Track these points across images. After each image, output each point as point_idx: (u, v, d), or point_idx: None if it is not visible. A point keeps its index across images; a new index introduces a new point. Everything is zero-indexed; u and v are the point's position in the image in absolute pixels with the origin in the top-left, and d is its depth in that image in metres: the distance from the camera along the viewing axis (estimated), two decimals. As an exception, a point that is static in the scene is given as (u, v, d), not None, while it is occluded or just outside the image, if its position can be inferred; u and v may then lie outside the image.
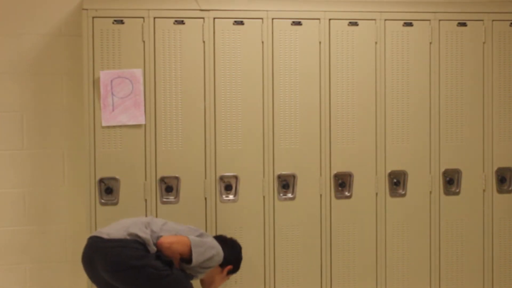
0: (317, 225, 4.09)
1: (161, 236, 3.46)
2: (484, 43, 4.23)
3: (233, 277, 3.98)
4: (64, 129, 4.22)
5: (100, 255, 3.39)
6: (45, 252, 4.23)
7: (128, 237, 3.41)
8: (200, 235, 3.60)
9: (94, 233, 3.53)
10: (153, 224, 3.52)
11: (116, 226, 3.50)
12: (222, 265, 3.66)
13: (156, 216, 3.89)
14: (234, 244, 3.78)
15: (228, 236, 3.83)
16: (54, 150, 4.21)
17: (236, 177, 3.99)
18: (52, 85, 4.21)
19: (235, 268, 3.76)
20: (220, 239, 3.72)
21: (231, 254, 3.71)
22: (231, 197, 4.02)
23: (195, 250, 3.46)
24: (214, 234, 3.92)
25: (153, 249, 3.42)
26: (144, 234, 3.42)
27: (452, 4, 4.27)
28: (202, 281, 3.73)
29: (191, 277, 3.56)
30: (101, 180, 3.90)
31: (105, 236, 3.43)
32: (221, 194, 3.99)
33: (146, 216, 3.87)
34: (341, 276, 4.12)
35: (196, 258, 3.46)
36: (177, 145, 3.95)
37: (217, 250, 3.57)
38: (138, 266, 3.33)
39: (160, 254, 3.42)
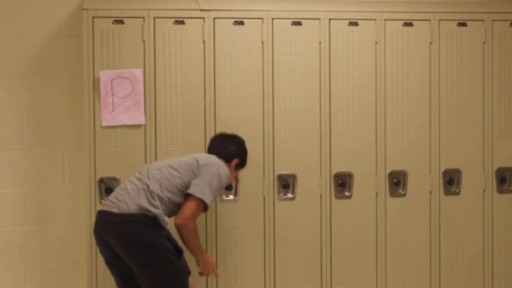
0: (317, 225, 4.09)
1: (169, 196, 3.43)
2: (484, 43, 4.23)
3: (233, 277, 3.98)
4: (64, 129, 4.21)
5: (111, 231, 3.39)
6: (45, 252, 4.22)
7: (138, 211, 3.37)
8: (198, 170, 3.51)
9: (103, 207, 3.47)
10: (154, 186, 3.42)
11: (123, 197, 3.42)
12: (229, 161, 3.68)
13: None
14: (236, 140, 3.79)
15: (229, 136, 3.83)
16: (54, 150, 4.21)
17: (236, 177, 3.98)
18: (52, 85, 4.20)
19: (242, 162, 3.78)
20: (220, 140, 3.77)
21: (236, 152, 3.73)
22: (231, 197, 4.02)
23: (207, 200, 3.44)
24: (214, 228, 3.95)
25: (165, 222, 3.40)
26: (154, 208, 3.38)
27: (452, 4, 4.27)
28: None
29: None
30: (101, 180, 3.89)
31: (115, 210, 3.40)
32: (221, 194, 3.99)
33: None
34: (341, 276, 4.12)
35: (211, 201, 3.47)
36: (177, 145, 3.95)
37: (219, 174, 3.52)
38: (147, 242, 3.33)
39: (171, 237, 3.42)
